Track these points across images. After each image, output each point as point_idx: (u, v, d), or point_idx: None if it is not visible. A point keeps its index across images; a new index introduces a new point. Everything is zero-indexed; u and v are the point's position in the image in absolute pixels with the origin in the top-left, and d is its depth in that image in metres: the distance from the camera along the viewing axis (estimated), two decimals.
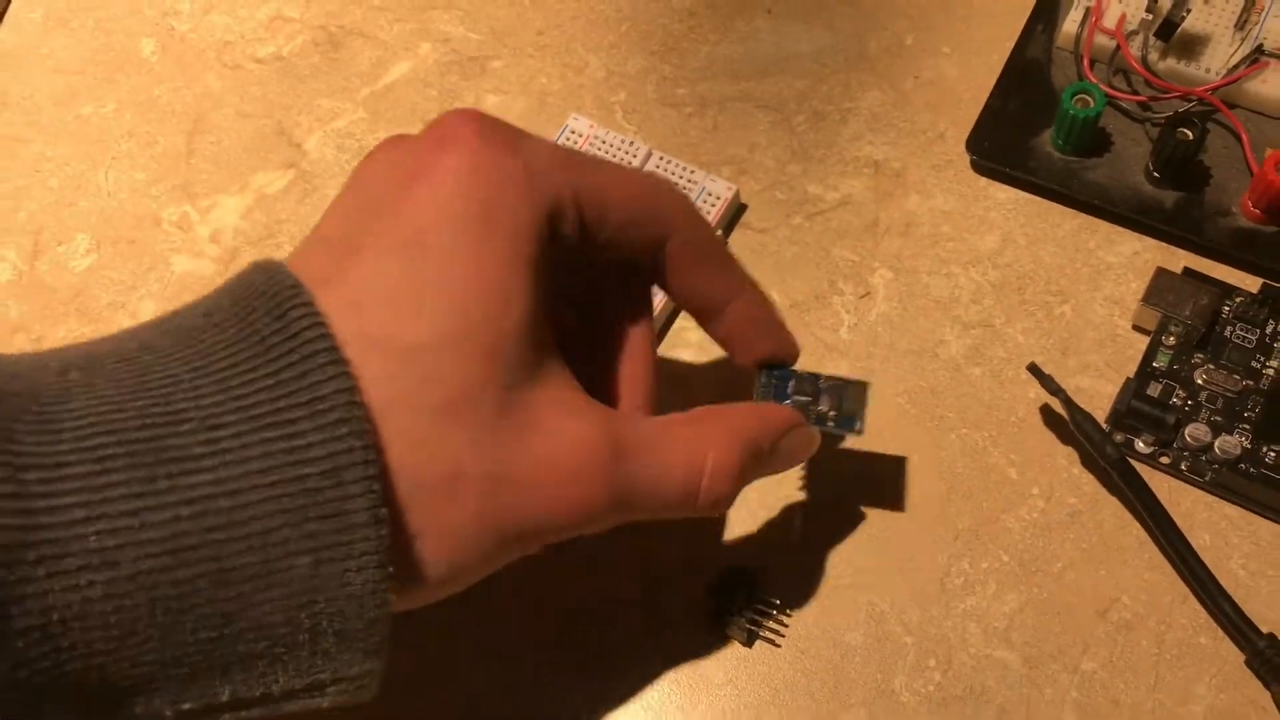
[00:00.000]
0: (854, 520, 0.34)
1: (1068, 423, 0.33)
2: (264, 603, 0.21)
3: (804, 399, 0.30)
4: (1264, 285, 0.36)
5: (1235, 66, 0.37)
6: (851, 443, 0.35)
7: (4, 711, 0.20)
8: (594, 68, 0.42)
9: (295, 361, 0.21)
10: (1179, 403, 0.34)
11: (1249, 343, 0.35)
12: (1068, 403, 0.33)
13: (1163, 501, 0.32)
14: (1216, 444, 0.33)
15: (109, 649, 0.20)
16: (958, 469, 0.34)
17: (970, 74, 0.41)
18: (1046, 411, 0.35)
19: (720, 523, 0.34)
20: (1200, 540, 0.33)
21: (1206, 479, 0.34)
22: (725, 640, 0.33)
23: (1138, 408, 0.34)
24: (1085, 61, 0.39)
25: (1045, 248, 0.38)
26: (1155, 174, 0.37)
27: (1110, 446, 0.33)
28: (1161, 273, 0.36)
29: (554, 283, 0.26)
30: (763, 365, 0.31)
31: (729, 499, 0.27)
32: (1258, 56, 0.37)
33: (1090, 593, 0.33)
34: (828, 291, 0.37)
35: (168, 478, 0.20)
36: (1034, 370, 0.33)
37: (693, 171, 0.38)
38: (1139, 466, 0.33)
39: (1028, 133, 0.38)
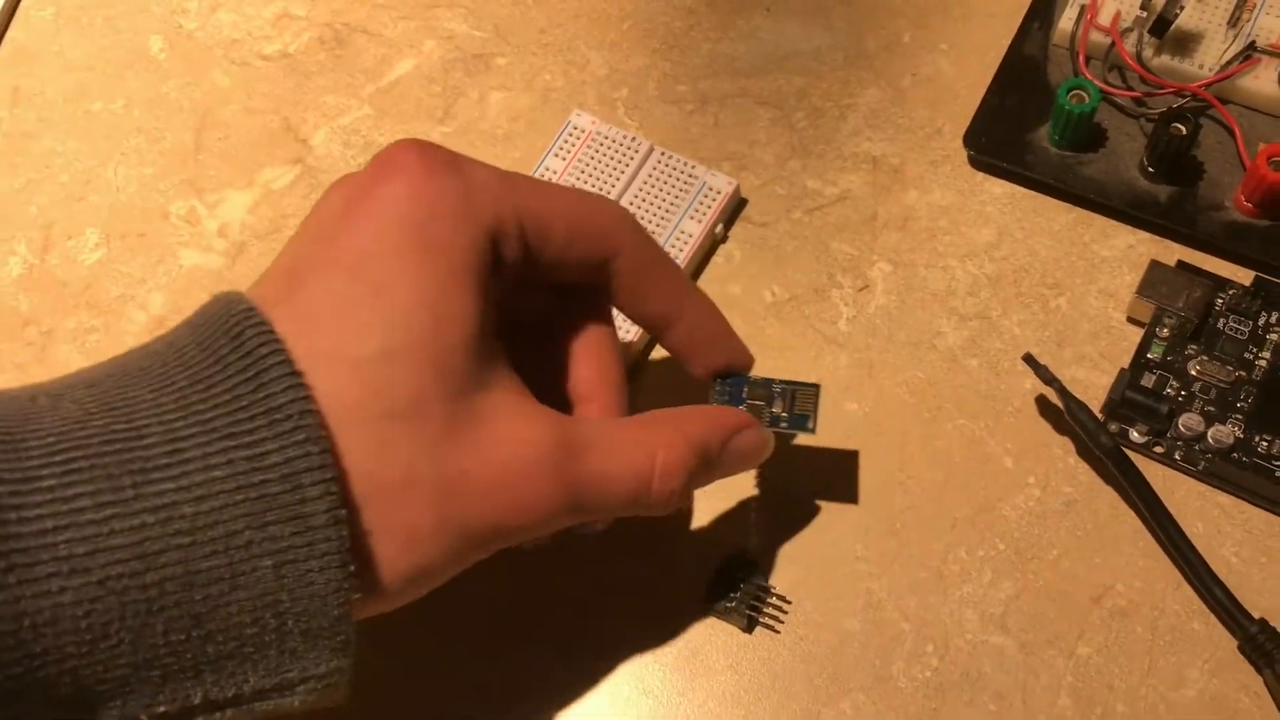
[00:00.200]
0: (851, 509, 0.34)
1: (1063, 413, 0.34)
2: (231, 604, 0.22)
3: (758, 403, 0.31)
4: (1256, 278, 0.36)
5: (1228, 63, 0.38)
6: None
7: None
8: (596, 65, 0.42)
9: (252, 376, 0.23)
10: (1173, 393, 0.35)
11: (1241, 334, 0.35)
12: (1063, 393, 0.33)
13: (1157, 490, 0.33)
14: (1210, 434, 0.34)
15: (81, 653, 0.21)
16: (955, 458, 0.35)
17: (967, 71, 0.41)
18: (1042, 402, 0.35)
19: (721, 511, 0.35)
20: (1193, 528, 0.33)
21: (1200, 468, 0.34)
22: (725, 626, 0.33)
23: (1132, 398, 0.34)
24: (1080, 58, 0.39)
25: (1041, 241, 0.38)
26: (1150, 169, 0.38)
27: (1105, 436, 0.33)
28: (1156, 266, 0.36)
29: (498, 298, 0.27)
30: (718, 375, 0.32)
31: (680, 498, 0.28)
32: (1250, 53, 0.38)
33: (1085, 580, 0.33)
34: (827, 285, 0.38)
35: (133, 487, 0.21)
36: (1030, 361, 0.34)
37: (694, 167, 0.39)
38: (1133, 456, 0.34)
39: (1024, 128, 0.39)
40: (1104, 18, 0.39)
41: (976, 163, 0.40)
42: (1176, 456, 0.34)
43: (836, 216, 0.39)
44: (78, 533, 0.21)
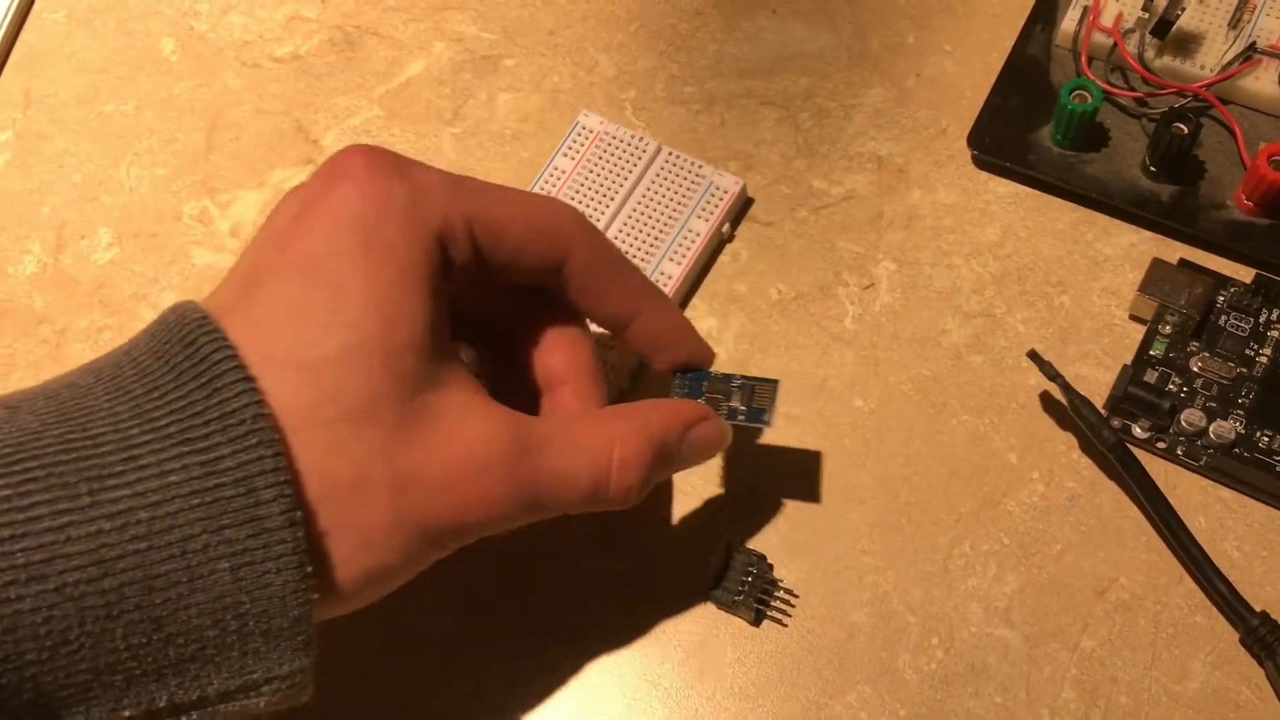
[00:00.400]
0: (858, 505, 0.35)
1: (1067, 409, 0.34)
2: (190, 607, 0.22)
3: (716, 397, 0.32)
4: (1257, 276, 0.37)
5: (1229, 63, 0.38)
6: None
7: None
8: (604, 66, 0.43)
9: (205, 383, 0.23)
10: (1175, 389, 0.35)
11: (1243, 331, 0.36)
12: (1067, 388, 0.34)
13: (1159, 485, 0.33)
14: (1211, 429, 0.34)
15: (41, 660, 0.21)
16: (959, 454, 0.35)
17: (971, 71, 0.42)
18: (1046, 398, 0.36)
19: (729, 505, 0.35)
20: (1196, 523, 0.34)
21: (1202, 463, 0.34)
22: (733, 619, 0.34)
23: (1135, 394, 0.34)
24: (1083, 59, 0.39)
25: (1044, 240, 0.39)
26: (1151, 168, 0.38)
27: (1108, 431, 0.33)
28: (1158, 263, 0.37)
29: (453, 299, 0.27)
30: (679, 370, 0.32)
31: (639, 491, 0.29)
32: (1251, 54, 0.38)
33: (1089, 573, 0.34)
34: (833, 283, 0.38)
35: (89, 494, 0.22)
36: (1034, 357, 0.34)
37: (701, 166, 0.39)
38: (1136, 451, 0.34)
39: (1027, 128, 0.39)
40: (1106, 19, 0.39)
41: (980, 162, 0.40)
42: (1179, 452, 0.35)
43: (842, 215, 0.40)
44: (35, 541, 0.21)
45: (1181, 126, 0.37)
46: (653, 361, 0.32)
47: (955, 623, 0.33)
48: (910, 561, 0.34)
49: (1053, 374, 0.34)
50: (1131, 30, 0.39)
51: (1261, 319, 0.36)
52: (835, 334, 0.38)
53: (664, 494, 0.35)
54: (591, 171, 0.39)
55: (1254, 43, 0.38)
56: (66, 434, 0.22)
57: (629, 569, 0.34)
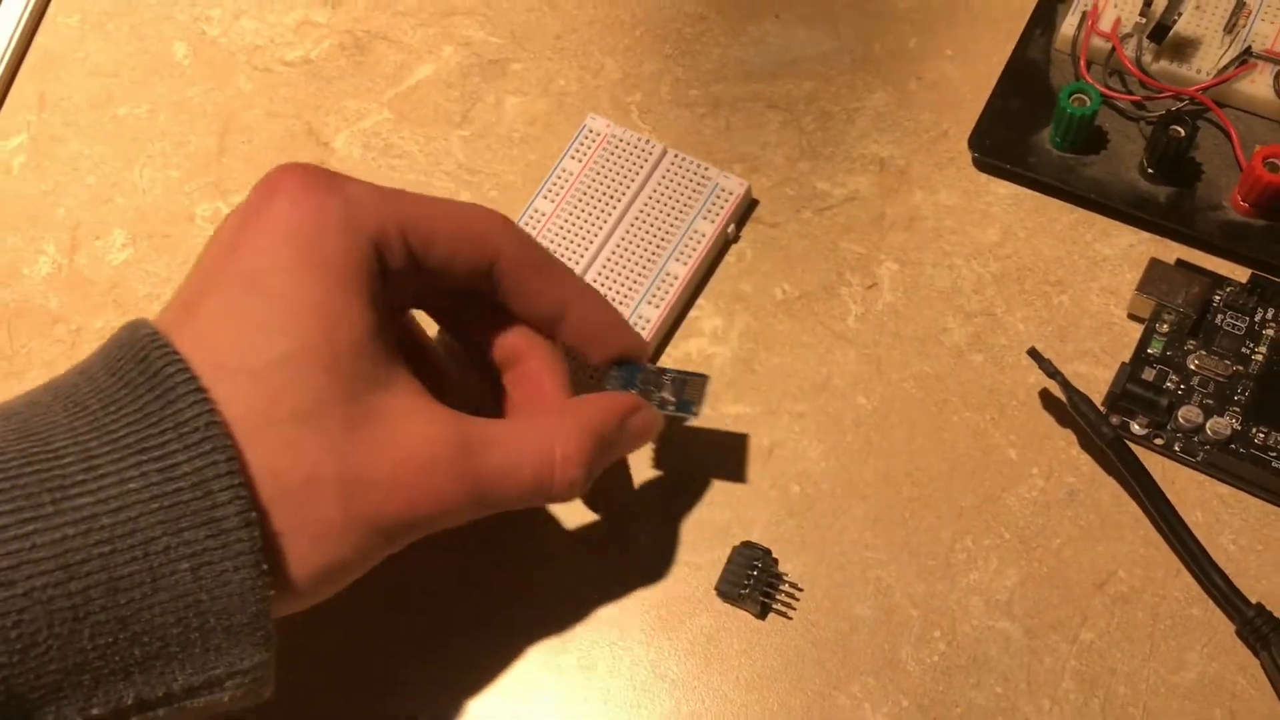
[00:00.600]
0: (862, 500, 0.35)
1: (1066, 406, 0.35)
2: (154, 606, 0.23)
3: (649, 388, 0.33)
4: (1253, 275, 0.37)
5: (1225, 67, 0.39)
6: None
7: None
8: (610, 70, 0.44)
9: (159, 394, 0.24)
10: (1172, 387, 0.36)
11: (1239, 330, 0.37)
12: (1066, 385, 0.35)
13: (1157, 480, 0.34)
14: (1208, 426, 0.35)
15: (12, 662, 0.22)
16: (961, 450, 0.36)
17: (972, 75, 0.42)
18: (1045, 395, 0.37)
19: (735, 501, 0.36)
20: (1193, 517, 0.34)
21: (1199, 459, 0.35)
22: (739, 613, 0.34)
23: (1133, 391, 0.35)
24: (1082, 63, 0.40)
25: (1044, 240, 0.39)
26: (1149, 170, 0.39)
27: (1107, 428, 0.34)
28: (1155, 264, 0.37)
29: (391, 306, 0.29)
30: (614, 363, 0.33)
31: (582, 484, 0.30)
32: (1246, 58, 0.39)
33: (1088, 567, 0.34)
34: (836, 283, 0.39)
35: (53, 503, 0.23)
36: (1034, 355, 0.35)
37: (706, 169, 0.40)
38: (1134, 447, 0.35)
39: (1027, 131, 0.40)
40: (1105, 24, 0.40)
41: (981, 164, 0.41)
42: (1176, 448, 0.35)
43: (845, 217, 0.40)
44: (2, 549, 0.22)
45: (1178, 129, 0.38)
46: (587, 356, 0.33)
47: (957, 615, 0.34)
48: (913, 555, 0.35)
49: (1052, 371, 0.34)
50: (1129, 35, 0.40)
51: (1257, 318, 0.37)
52: (838, 333, 0.38)
53: (671, 491, 0.36)
54: (598, 174, 0.40)
55: (1249, 47, 0.39)
56: (29, 449, 0.23)
57: (634, 565, 0.35)
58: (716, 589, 0.34)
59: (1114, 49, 0.40)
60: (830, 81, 0.43)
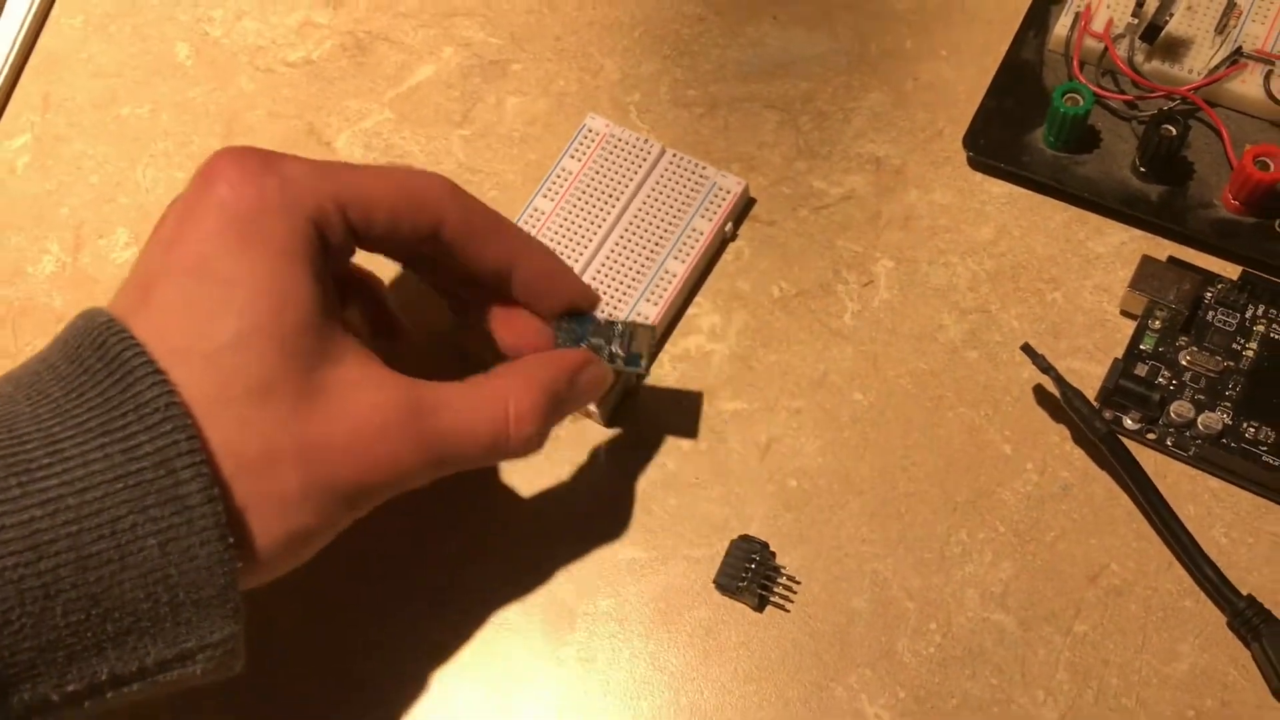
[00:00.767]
0: (858, 495, 0.36)
1: (1060, 401, 0.35)
2: (124, 582, 0.24)
3: (598, 342, 0.34)
4: (1244, 272, 0.38)
5: (1216, 67, 0.39)
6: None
7: None
8: (609, 70, 0.44)
9: (119, 379, 0.25)
10: (1164, 382, 0.36)
11: (1230, 326, 0.37)
12: (1059, 381, 0.35)
13: (1150, 475, 0.34)
14: (1200, 421, 0.35)
15: None
16: (956, 445, 0.36)
17: (966, 75, 0.43)
18: (1039, 391, 0.37)
19: (734, 494, 0.36)
20: (1185, 510, 0.35)
21: (1190, 453, 0.36)
22: (737, 606, 0.35)
23: (1125, 386, 0.36)
24: (1075, 63, 0.41)
25: (1038, 238, 0.40)
26: (1141, 169, 0.39)
27: (1100, 422, 0.35)
28: (1147, 261, 0.38)
29: (337, 276, 0.29)
30: (565, 316, 0.34)
31: (538, 440, 0.31)
32: (1237, 58, 0.39)
33: (1081, 560, 0.35)
34: (833, 280, 0.39)
35: (19, 485, 0.23)
36: (1027, 351, 0.35)
37: (704, 168, 0.40)
38: (1127, 442, 0.35)
39: (1021, 130, 0.41)
40: (1098, 24, 0.41)
41: (976, 163, 0.41)
42: (1168, 442, 0.36)
43: (841, 215, 0.41)
44: None
45: (1170, 128, 0.38)
46: (537, 309, 0.34)
47: (952, 608, 0.34)
48: (909, 549, 0.35)
49: (1046, 367, 0.35)
50: (1122, 35, 0.40)
51: (1247, 314, 0.37)
52: (835, 330, 0.39)
53: (669, 483, 0.36)
54: (598, 173, 0.40)
55: (1240, 47, 0.39)
56: None
57: (633, 558, 0.35)
58: (715, 582, 0.35)
59: (1106, 49, 0.40)
60: (827, 82, 0.43)
